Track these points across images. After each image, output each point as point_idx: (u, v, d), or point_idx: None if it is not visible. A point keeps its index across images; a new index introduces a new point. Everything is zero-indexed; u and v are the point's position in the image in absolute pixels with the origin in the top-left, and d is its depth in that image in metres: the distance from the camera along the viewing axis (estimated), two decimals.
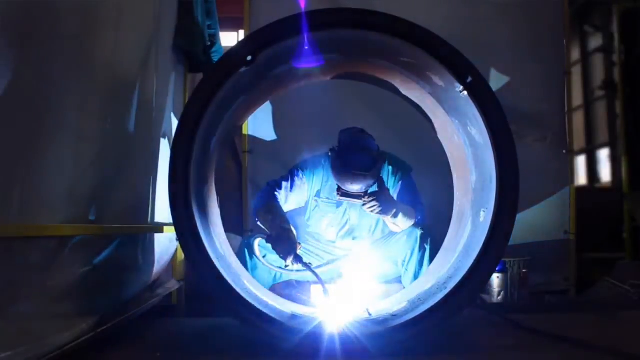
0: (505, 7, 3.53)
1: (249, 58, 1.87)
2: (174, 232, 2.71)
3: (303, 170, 2.63)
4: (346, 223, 2.64)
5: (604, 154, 7.12)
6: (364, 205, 2.41)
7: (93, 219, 1.83)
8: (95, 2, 1.84)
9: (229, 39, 5.11)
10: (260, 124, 3.51)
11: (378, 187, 2.41)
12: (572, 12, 3.92)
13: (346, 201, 2.47)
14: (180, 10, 2.87)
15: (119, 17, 2.03)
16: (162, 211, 2.54)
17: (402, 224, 2.53)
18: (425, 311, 1.81)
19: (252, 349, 1.86)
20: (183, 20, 2.87)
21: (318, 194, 2.64)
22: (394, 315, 1.94)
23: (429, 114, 2.34)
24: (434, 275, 2.13)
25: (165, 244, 2.68)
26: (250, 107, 2.43)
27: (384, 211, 2.41)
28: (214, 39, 3.30)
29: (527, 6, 3.55)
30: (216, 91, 1.87)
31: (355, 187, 2.37)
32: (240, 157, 3.60)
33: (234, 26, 5.06)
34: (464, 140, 2.14)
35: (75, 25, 1.69)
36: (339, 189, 2.41)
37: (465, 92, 1.89)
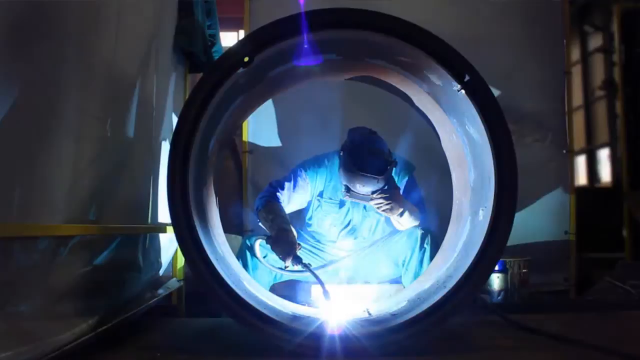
0: (505, 7, 3.53)
1: (246, 59, 1.86)
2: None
3: (306, 170, 2.63)
4: (349, 223, 2.64)
5: (604, 154, 7.12)
6: (371, 200, 2.40)
7: (93, 219, 1.83)
8: (95, 2, 1.84)
9: (229, 39, 5.11)
10: (260, 128, 3.51)
11: (388, 184, 2.40)
12: (572, 12, 3.92)
13: (352, 201, 2.46)
14: (180, 10, 2.87)
15: (119, 17, 2.02)
16: (162, 211, 2.54)
17: (407, 223, 2.53)
18: (425, 310, 1.81)
19: (253, 349, 1.86)
20: (183, 20, 2.87)
21: (321, 194, 2.64)
22: (394, 315, 1.94)
23: (427, 114, 2.34)
24: (434, 274, 2.13)
25: (166, 244, 2.68)
26: (249, 107, 2.42)
27: (392, 208, 2.41)
28: (214, 39, 3.30)
29: (527, 6, 3.55)
30: (214, 92, 1.87)
31: (365, 189, 2.37)
32: (240, 157, 3.60)
33: (234, 26, 5.07)
34: (462, 139, 2.14)
35: (76, 25, 1.69)
36: (347, 189, 2.41)
37: (463, 91, 1.89)
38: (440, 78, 2.00)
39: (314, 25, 1.85)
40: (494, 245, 1.83)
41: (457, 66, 1.88)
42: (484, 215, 1.91)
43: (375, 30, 1.88)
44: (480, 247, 1.82)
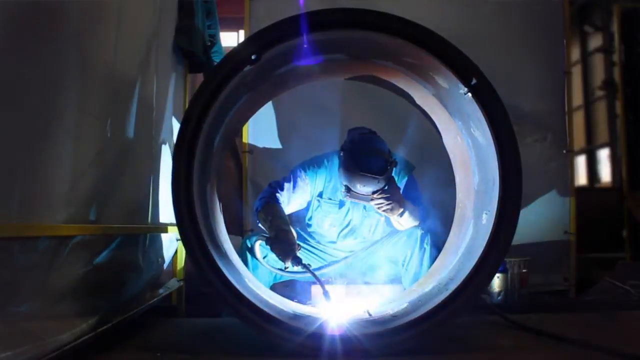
0: (506, 6, 3.53)
1: (254, 57, 1.86)
2: (175, 232, 2.74)
3: (305, 171, 2.62)
4: (349, 223, 2.64)
5: (604, 154, 7.13)
6: (371, 200, 2.40)
7: (93, 219, 1.83)
8: (95, 2, 1.84)
9: (229, 39, 5.11)
10: (260, 128, 3.51)
11: (388, 184, 2.40)
12: (572, 12, 3.93)
13: (352, 201, 2.46)
14: (180, 10, 2.86)
15: (119, 17, 2.03)
16: (162, 211, 2.54)
17: (406, 223, 2.52)
18: (426, 312, 1.80)
19: (253, 349, 1.86)
20: (183, 20, 2.87)
21: (320, 195, 2.64)
22: (395, 316, 1.94)
23: (432, 115, 2.33)
24: (435, 276, 2.13)
25: (166, 244, 2.68)
26: (253, 106, 2.41)
27: (392, 208, 2.40)
28: (214, 39, 3.30)
29: (527, 6, 3.55)
30: (219, 90, 1.86)
31: (365, 189, 2.37)
32: (241, 157, 3.60)
33: (234, 26, 5.07)
34: (466, 142, 2.13)
35: (76, 25, 1.69)
36: (348, 189, 2.40)
37: (469, 94, 1.88)
38: (446, 80, 1.99)
39: (320, 25, 1.85)
40: (497, 249, 1.82)
41: (464, 69, 1.87)
42: (487, 219, 1.90)
43: (383, 31, 1.87)
44: (483, 251, 1.82)
